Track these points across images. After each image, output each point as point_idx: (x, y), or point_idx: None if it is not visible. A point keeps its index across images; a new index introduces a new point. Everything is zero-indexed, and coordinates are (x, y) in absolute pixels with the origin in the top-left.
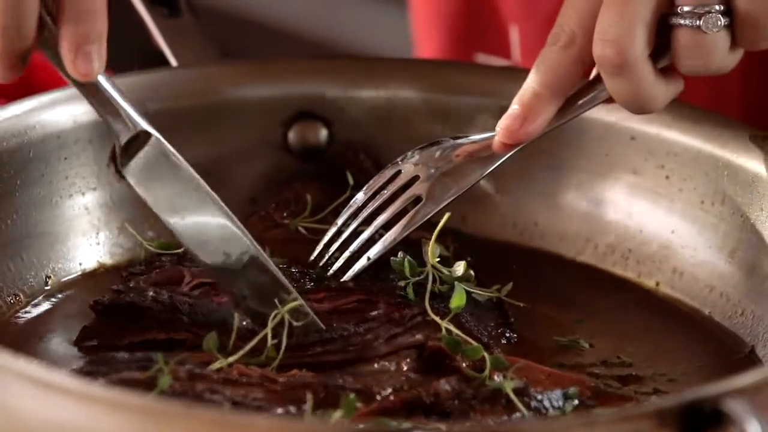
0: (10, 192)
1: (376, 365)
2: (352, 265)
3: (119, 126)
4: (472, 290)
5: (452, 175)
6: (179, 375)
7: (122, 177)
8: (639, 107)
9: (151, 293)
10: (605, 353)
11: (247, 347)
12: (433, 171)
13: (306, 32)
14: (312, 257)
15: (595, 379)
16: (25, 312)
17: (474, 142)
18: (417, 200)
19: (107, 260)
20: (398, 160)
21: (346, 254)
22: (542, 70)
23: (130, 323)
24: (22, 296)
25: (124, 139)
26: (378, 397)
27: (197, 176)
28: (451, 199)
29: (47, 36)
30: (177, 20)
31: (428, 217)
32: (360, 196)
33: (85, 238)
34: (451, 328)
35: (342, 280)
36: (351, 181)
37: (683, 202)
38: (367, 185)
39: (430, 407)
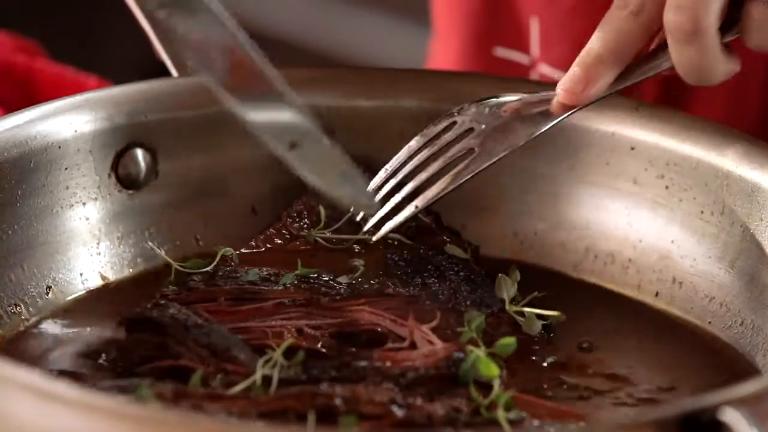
0: (11, 202)
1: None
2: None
3: None
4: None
5: (502, 131)
6: (164, 394)
7: (124, 187)
8: (700, 78)
9: (171, 311)
10: (604, 364)
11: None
12: (483, 127)
13: (306, 43)
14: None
15: (593, 393)
16: (26, 321)
17: (524, 100)
18: (469, 153)
19: (108, 271)
20: (454, 110)
21: (392, 203)
22: (608, 33)
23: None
24: (22, 306)
25: None
26: (368, 407)
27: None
28: (503, 155)
29: None
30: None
31: (478, 171)
32: (413, 143)
33: (85, 248)
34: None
35: (387, 227)
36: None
37: (683, 212)
38: (421, 133)
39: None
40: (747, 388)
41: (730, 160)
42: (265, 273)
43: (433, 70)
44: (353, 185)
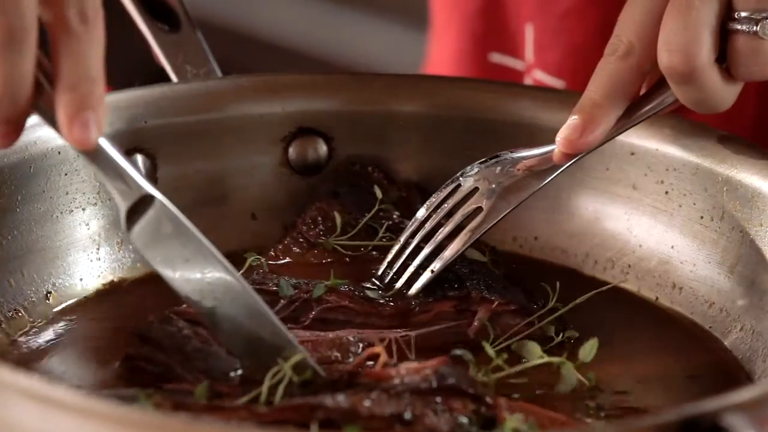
0: (10, 207)
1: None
2: (417, 278)
3: (122, 190)
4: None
5: (513, 189)
6: (163, 405)
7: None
8: (708, 109)
9: (172, 331)
10: (601, 369)
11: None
12: (494, 186)
13: (306, 48)
14: (378, 273)
15: (590, 397)
16: (26, 327)
17: (533, 156)
18: (477, 212)
19: (107, 276)
20: (458, 174)
21: (411, 269)
22: (601, 80)
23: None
24: (22, 312)
25: (127, 203)
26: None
27: (203, 238)
28: (510, 210)
29: (44, 99)
30: (177, 36)
31: (489, 228)
32: (421, 212)
33: (85, 254)
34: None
35: (408, 293)
36: (379, 194)
37: (683, 217)
38: (428, 201)
39: None
40: (747, 393)
41: (730, 166)
42: (294, 282)
43: (432, 76)
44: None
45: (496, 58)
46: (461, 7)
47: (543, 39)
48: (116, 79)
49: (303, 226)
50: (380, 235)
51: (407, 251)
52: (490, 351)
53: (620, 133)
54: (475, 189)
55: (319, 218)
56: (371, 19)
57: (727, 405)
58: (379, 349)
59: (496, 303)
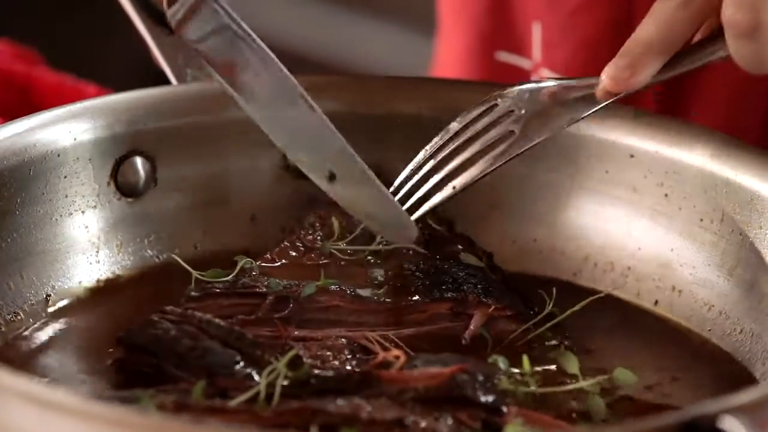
0: (10, 210)
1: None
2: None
3: None
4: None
5: (542, 115)
6: (165, 406)
7: (123, 195)
8: (760, 68)
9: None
10: (601, 370)
11: (239, 399)
12: (524, 111)
13: (305, 51)
14: (396, 184)
15: (590, 399)
16: (26, 330)
17: (564, 85)
18: (508, 136)
19: (107, 279)
20: (495, 93)
21: (430, 183)
22: (656, 22)
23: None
24: (21, 315)
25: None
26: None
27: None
28: (542, 139)
29: None
30: (177, 39)
31: (518, 153)
32: (454, 125)
33: (84, 257)
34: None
35: (425, 207)
36: None
37: (682, 220)
38: (461, 115)
39: None
40: (746, 396)
41: (729, 168)
42: (285, 283)
43: (433, 78)
44: (392, 215)
45: (503, 57)
46: (468, 7)
47: (551, 37)
48: (116, 82)
49: (301, 231)
50: (378, 240)
51: (432, 163)
52: (527, 366)
53: (665, 78)
54: (511, 112)
55: (317, 224)
56: (371, 22)
57: (727, 407)
58: (398, 351)
59: (492, 307)
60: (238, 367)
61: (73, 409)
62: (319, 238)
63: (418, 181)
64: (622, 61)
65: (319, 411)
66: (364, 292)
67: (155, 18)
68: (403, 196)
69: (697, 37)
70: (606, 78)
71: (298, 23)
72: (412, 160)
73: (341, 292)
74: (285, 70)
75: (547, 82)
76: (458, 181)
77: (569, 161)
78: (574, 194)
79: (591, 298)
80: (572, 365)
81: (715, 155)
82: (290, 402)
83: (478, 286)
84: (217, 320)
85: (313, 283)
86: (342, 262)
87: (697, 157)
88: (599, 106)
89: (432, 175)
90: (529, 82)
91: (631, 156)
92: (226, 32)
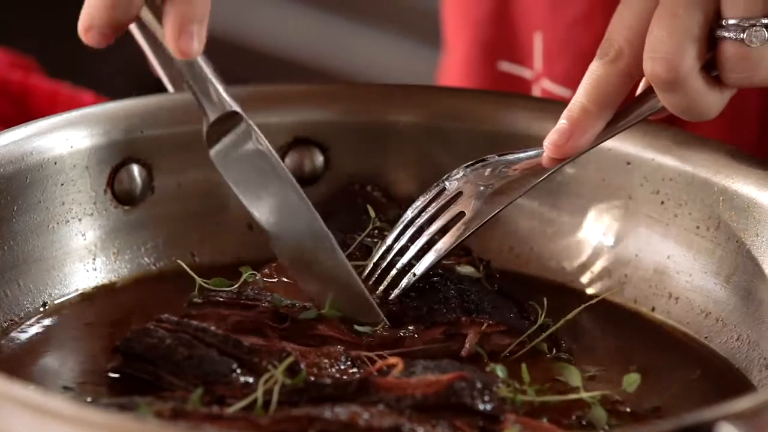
0: (7, 218)
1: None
2: (400, 281)
3: (209, 104)
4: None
5: (501, 191)
6: (162, 413)
7: (119, 202)
8: (694, 116)
9: (156, 342)
10: (598, 377)
11: (237, 405)
12: (482, 189)
13: (303, 59)
14: (364, 274)
15: (587, 405)
16: (22, 336)
17: (521, 159)
18: (460, 216)
19: (104, 287)
20: (444, 178)
21: (393, 272)
22: (590, 84)
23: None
24: (19, 322)
25: (213, 116)
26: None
27: (281, 163)
28: (494, 214)
29: (152, 11)
30: None
31: (472, 231)
32: (408, 214)
33: (81, 264)
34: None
35: (391, 297)
36: (372, 214)
37: (679, 227)
38: (413, 204)
39: None
40: (743, 403)
41: (726, 176)
42: (288, 302)
43: (431, 86)
44: (360, 304)
45: (505, 66)
46: (471, 16)
47: (552, 47)
48: (112, 90)
49: None
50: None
51: (392, 253)
52: (526, 376)
53: (609, 138)
54: (460, 193)
55: None
56: (369, 30)
57: (724, 414)
58: (396, 359)
59: (485, 324)
60: (235, 374)
61: (70, 416)
62: None
63: (381, 272)
64: (561, 126)
65: (317, 418)
66: (362, 328)
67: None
68: (369, 286)
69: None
70: (548, 145)
71: (294, 32)
72: (408, 167)
73: (339, 326)
74: (316, 215)
75: (492, 158)
76: (418, 268)
77: (566, 169)
78: (571, 202)
79: (583, 306)
80: (575, 378)
81: (712, 163)
82: (288, 409)
83: (471, 303)
84: (212, 328)
85: (314, 309)
86: None
87: (693, 165)
88: (548, 173)
89: (395, 263)
90: (475, 162)
91: (628, 163)
92: (259, 164)
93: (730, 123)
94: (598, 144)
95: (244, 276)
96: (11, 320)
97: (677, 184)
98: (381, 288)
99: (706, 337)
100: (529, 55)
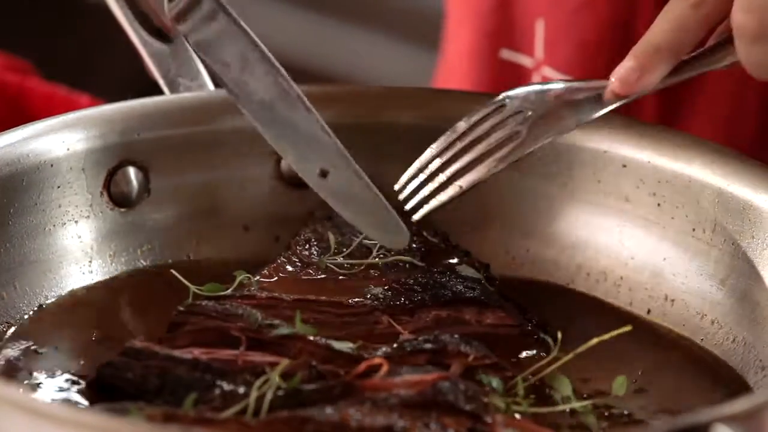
0: (3, 221)
1: (368, 399)
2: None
3: None
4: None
5: (549, 116)
6: (154, 417)
7: (116, 205)
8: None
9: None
10: (593, 378)
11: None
12: (530, 113)
13: (299, 61)
14: (400, 183)
15: (582, 407)
16: (17, 338)
17: (572, 87)
18: (514, 137)
19: (100, 289)
20: (503, 94)
21: (436, 183)
22: (666, 24)
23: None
24: (15, 324)
25: None
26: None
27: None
28: (549, 139)
29: None
30: (169, 48)
31: (524, 154)
32: (461, 124)
33: (77, 267)
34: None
35: (429, 207)
36: None
37: (675, 229)
38: (468, 114)
39: None
40: (739, 405)
41: (722, 178)
42: (261, 321)
43: (430, 88)
44: (382, 217)
45: (506, 54)
46: (474, 4)
47: (553, 35)
48: (108, 92)
49: (297, 247)
50: (374, 253)
51: (435, 165)
52: (521, 389)
53: (674, 82)
54: (519, 112)
55: (313, 239)
56: (367, 32)
57: (720, 416)
58: (380, 359)
59: (471, 357)
60: (211, 392)
61: (65, 419)
62: (315, 253)
63: (424, 180)
64: (631, 63)
65: (308, 420)
66: (340, 345)
67: (148, 28)
68: (409, 194)
69: (710, 42)
70: (614, 80)
71: (291, 34)
72: (403, 169)
73: (314, 342)
74: (283, 71)
75: (555, 83)
76: (463, 181)
77: (562, 171)
78: (567, 203)
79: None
80: (565, 388)
81: (708, 165)
82: (279, 412)
83: (475, 301)
84: (179, 355)
85: (289, 326)
86: (340, 276)
87: (689, 167)
88: (607, 109)
89: (438, 174)
90: (537, 83)
91: (624, 166)
92: (224, 29)
93: (728, 122)
94: (663, 86)
95: (239, 279)
96: (7, 322)
97: (673, 187)
98: (423, 194)
99: (701, 339)
100: (531, 43)
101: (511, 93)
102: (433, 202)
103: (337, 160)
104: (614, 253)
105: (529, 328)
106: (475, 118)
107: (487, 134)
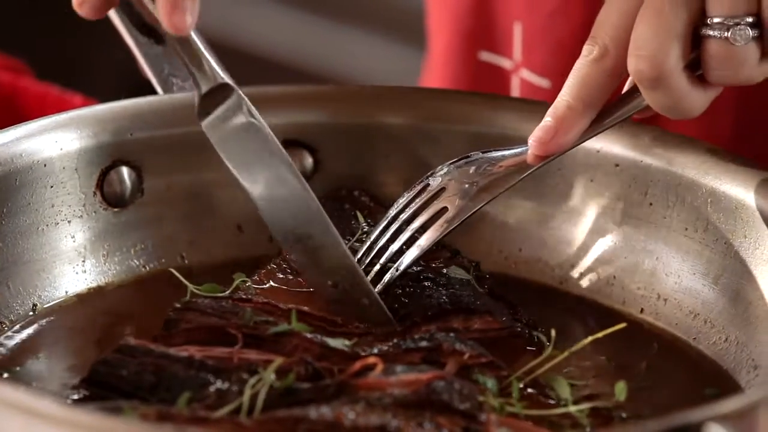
0: None
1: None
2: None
3: (202, 76)
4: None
5: (486, 189)
6: (148, 416)
7: (109, 205)
8: (678, 114)
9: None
10: (585, 377)
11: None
12: (467, 186)
13: (292, 61)
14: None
15: (574, 406)
16: (11, 338)
17: (506, 156)
18: (443, 211)
19: (93, 289)
20: (428, 174)
21: (377, 267)
22: (575, 82)
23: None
24: (8, 324)
25: (205, 88)
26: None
27: (273, 136)
28: (477, 209)
29: None
30: (163, 49)
31: (454, 227)
32: (391, 211)
33: (71, 266)
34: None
35: (377, 289)
36: (361, 219)
37: (667, 228)
38: (397, 200)
39: None
40: (731, 404)
41: (714, 178)
42: (257, 319)
43: (418, 88)
44: (379, 318)
45: (485, 56)
46: (452, 6)
47: (531, 38)
48: (101, 92)
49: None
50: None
51: (375, 250)
52: (516, 391)
53: (593, 136)
54: (443, 189)
55: None
56: (358, 32)
57: (712, 415)
58: (374, 359)
59: (467, 355)
60: (206, 389)
61: (59, 418)
62: None
63: (365, 267)
64: (546, 124)
65: (302, 419)
66: (335, 342)
67: (141, 28)
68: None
69: (625, 89)
70: (533, 142)
71: (283, 34)
72: (399, 168)
73: (309, 339)
74: (306, 184)
75: (476, 155)
76: (402, 263)
77: (554, 170)
78: (560, 204)
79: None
80: (563, 390)
81: (700, 164)
82: (273, 411)
83: (463, 305)
84: (174, 353)
85: (285, 324)
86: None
87: (681, 167)
88: (531, 171)
89: (381, 255)
90: (459, 158)
91: (616, 165)
92: (251, 136)
93: (707, 119)
94: (582, 142)
95: (236, 282)
96: (1, 322)
97: (666, 186)
98: (370, 276)
99: (694, 339)
100: (509, 45)
101: (435, 171)
102: (380, 285)
103: (347, 274)
104: (607, 253)
105: (518, 329)
106: (403, 200)
107: (416, 213)
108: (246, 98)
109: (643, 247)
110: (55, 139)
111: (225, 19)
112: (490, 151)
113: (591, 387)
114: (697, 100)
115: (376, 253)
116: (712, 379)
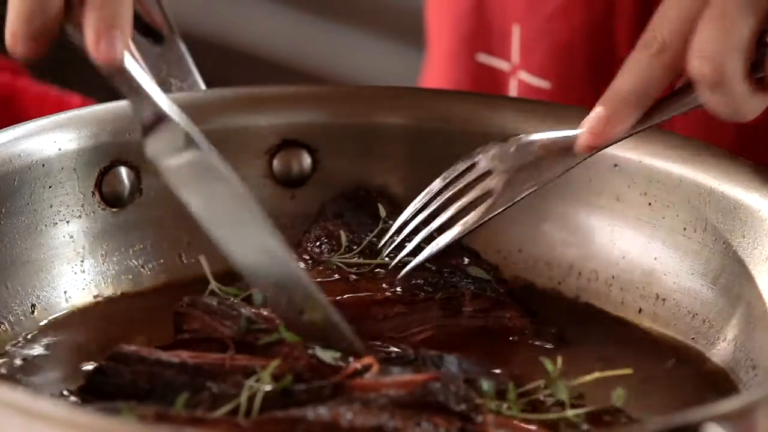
0: None
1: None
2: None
3: (140, 108)
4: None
5: (528, 170)
6: (146, 417)
7: (108, 205)
8: (732, 117)
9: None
10: (587, 382)
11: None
12: (508, 166)
13: (291, 61)
14: (381, 243)
15: (572, 407)
16: (11, 341)
17: (551, 138)
18: (487, 195)
19: (92, 289)
20: (477, 151)
21: (414, 242)
22: (631, 74)
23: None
24: (6, 325)
25: (145, 121)
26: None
27: (219, 160)
28: (526, 194)
29: (73, 16)
30: (161, 49)
31: (500, 211)
32: (435, 184)
33: (69, 266)
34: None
35: (408, 267)
36: (383, 212)
37: (666, 228)
38: (443, 174)
39: None
40: (730, 404)
41: (713, 178)
42: (252, 327)
43: (418, 88)
44: (346, 344)
45: (483, 58)
46: (451, 8)
47: (529, 40)
48: (100, 92)
49: (307, 244)
50: (385, 253)
51: (413, 224)
52: (513, 394)
53: (642, 130)
54: (489, 172)
55: (324, 237)
56: (357, 32)
57: (711, 415)
58: (370, 359)
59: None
60: (202, 393)
61: (56, 418)
62: (325, 250)
63: (404, 237)
64: (600, 114)
65: (299, 420)
66: (326, 355)
67: (139, 28)
68: (392, 250)
69: (679, 85)
70: (585, 131)
71: (282, 34)
72: (396, 170)
73: (302, 352)
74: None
75: (525, 136)
76: (431, 248)
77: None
78: (558, 203)
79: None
80: (562, 393)
81: (699, 165)
82: (270, 412)
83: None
84: (167, 359)
85: (277, 333)
86: (353, 276)
87: (680, 167)
88: (579, 161)
89: (417, 233)
90: (512, 137)
91: (615, 165)
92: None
93: (708, 129)
94: (630, 135)
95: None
96: (0, 323)
97: (665, 186)
98: (400, 256)
99: (692, 338)
100: (507, 48)
101: (485, 148)
102: (415, 261)
103: (310, 299)
104: (606, 253)
105: (536, 324)
106: (447, 177)
107: (461, 192)
108: (189, 126)
109: (642, 247)
110: (54, 139)
111: (225, 19)
112: (538, 134)
113: (588, 389)
114: (756, 104)
115: (414, 227)
116: (710, 379)
